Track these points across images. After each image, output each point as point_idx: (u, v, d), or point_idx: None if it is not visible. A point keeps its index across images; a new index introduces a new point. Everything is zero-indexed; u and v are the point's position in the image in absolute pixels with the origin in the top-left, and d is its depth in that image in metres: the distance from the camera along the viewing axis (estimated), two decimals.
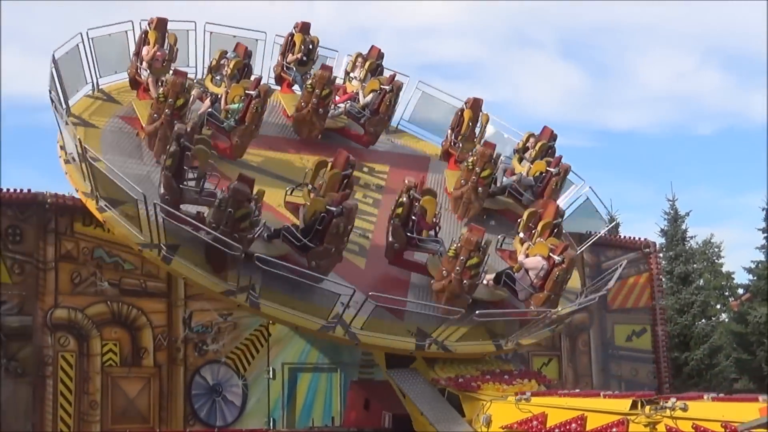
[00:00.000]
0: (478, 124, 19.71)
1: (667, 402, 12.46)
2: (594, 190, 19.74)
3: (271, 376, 19.17)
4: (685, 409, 12.20)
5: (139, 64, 18.26)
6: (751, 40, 61.16)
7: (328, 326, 14.95)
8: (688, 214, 31.62)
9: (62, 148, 16.83)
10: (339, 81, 20.16)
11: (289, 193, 16.26)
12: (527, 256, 16.51)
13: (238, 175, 15.03)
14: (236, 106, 17.17)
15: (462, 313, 15.14)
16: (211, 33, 19.73)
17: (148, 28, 18.34)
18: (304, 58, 20.14)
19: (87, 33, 18.33)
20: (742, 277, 30.23)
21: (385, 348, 15.77)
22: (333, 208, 14.95)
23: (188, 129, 15.33)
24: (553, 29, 64.30)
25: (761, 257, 29.37)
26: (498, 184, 18.74)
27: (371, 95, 19.27)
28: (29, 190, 17.52)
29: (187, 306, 18.55)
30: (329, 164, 16.18)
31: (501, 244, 17.71)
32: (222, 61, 18.46)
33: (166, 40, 18.50)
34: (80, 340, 17.66)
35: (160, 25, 18.41)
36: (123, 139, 17.25)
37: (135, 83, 18.40)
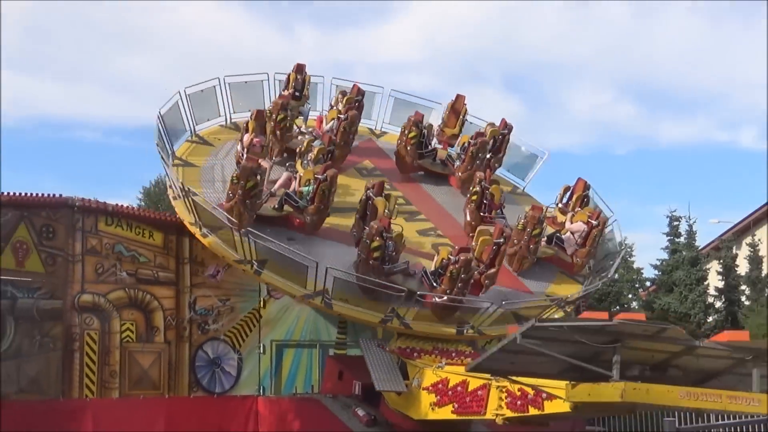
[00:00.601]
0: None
1: None
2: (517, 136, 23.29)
3: (261, 351, 20.82)
4: None
5: (240, 149, 19.69)
6: (658, 78, 67.56)
7: (308, 295, 17.58)
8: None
9: (170, 186, 19.21)
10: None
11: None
12: (571, 222, 20.70)
13: (379, 217, 18.03)
14: (307, 188, 18.34)
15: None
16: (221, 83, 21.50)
17: (249, 119, 20.01)
18: (297, 94, 21.90)
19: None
20: (649, 272, 32.17)
21: (355, 319, 18.28)
22: (452, 257, 17.74)
23: (376, 183, 18.51)
24: (498, 66, 70.01)
25: (665, 256, 30.59)
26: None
27: (332, 122, 21.44)
28: (60, 195, 19.42)
29: (192, 292, 20.43)
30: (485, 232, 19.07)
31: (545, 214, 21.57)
32: (310, 147, 19.77)
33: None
34: (102, 320, 19.43)
35: (259, 116, 19.94)
36: None
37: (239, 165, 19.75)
